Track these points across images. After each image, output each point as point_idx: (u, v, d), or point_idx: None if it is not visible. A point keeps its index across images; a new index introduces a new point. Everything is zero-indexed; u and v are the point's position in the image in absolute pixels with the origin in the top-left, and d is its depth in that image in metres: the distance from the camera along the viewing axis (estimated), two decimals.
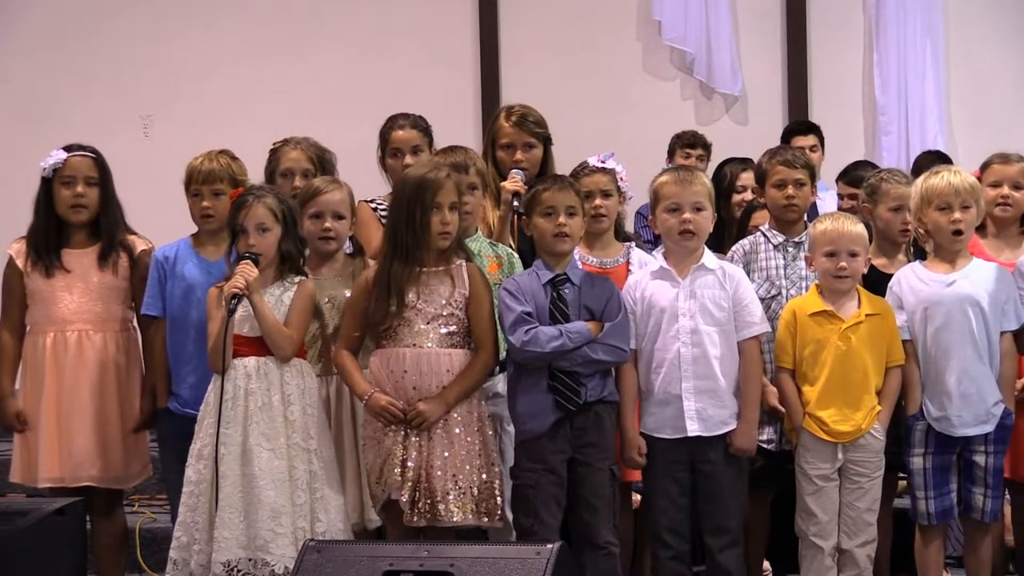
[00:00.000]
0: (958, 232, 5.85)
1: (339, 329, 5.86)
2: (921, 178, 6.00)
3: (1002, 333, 5.87)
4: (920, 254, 6.23)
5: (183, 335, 6.17)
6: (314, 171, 6.48)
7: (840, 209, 7.34)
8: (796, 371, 5.88)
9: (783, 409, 5.91)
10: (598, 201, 6.07)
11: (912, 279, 5.93)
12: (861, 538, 5.84)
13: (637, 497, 6.21)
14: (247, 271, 5.64)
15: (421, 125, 6.60)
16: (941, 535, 5.96)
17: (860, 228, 5.90)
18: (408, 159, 6.37)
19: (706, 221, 5.89)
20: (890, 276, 6.11)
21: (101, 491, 6.25)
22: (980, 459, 5.82)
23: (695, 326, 5.79)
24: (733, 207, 7.42)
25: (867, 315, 5.83)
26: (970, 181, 5.86)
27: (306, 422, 5.71)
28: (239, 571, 5.59)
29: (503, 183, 6.30)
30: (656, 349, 5.80)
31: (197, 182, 6.22)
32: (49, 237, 6.24)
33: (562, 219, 5.69)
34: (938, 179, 5.88)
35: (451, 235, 5.66)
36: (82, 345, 6.20)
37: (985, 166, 6.40)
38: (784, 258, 6.28)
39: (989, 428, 5.81)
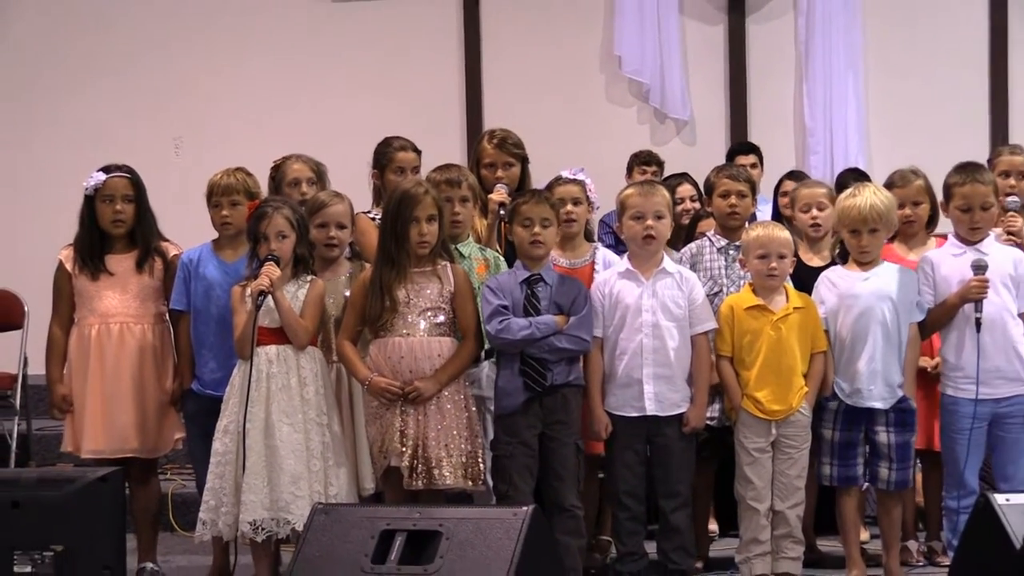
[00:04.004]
0: (865, 253, 5.91)
1: (341, 323, 5.89)
2: (842, 195, 6.02)
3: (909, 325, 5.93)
4: (844, 255, 6.31)
5: (205, 327, 6.21)
6: (315, 179, 6.56)
7: None
8: (734, 358, 5.93)
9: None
10: (569, 208, 6.11)
11: (833, 277, 5.99)
12: (792, 501, 5.89)
13: None
14: (272, 271, 5.70)
15: (416, 148, 6.66)
16: (857, 497, 6.00)
17: (787, 234, 5.95)
18: (408, 176, 6.41)
19: (665, 228, 5.95)
20: (812, 267, 6.19)
21: (138, 461, 6.27)
22: (883, 437, 5.86)
23: (656, 321, 5.84)
24: (676, 215, 7.43)
25: (795, 308, 5.87)
26: (879, 208, 5.84)
27: (319, 400, 5.77)
28: (263, 529, 5.65)
29: (491, 195, 6.35)
30: (620, 339, 5.86)
31: (217, 194, 6.25)
32: (93, 246, 6.25)
33: (537, 229, 5.74)
34: (850, 203, 5.88)
35: (429, 243, 5.70)
36: (123, 335, 6.22)
37: (887, 187, 6.41)
38: (726, 260, 6.30)
39: (892, 402, 5.86)
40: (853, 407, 5.89)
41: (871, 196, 5.90)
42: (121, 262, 6.27)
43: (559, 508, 5.73)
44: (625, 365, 5.85)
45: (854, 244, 5.92)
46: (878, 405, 5.87)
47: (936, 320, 5.99)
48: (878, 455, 5.90)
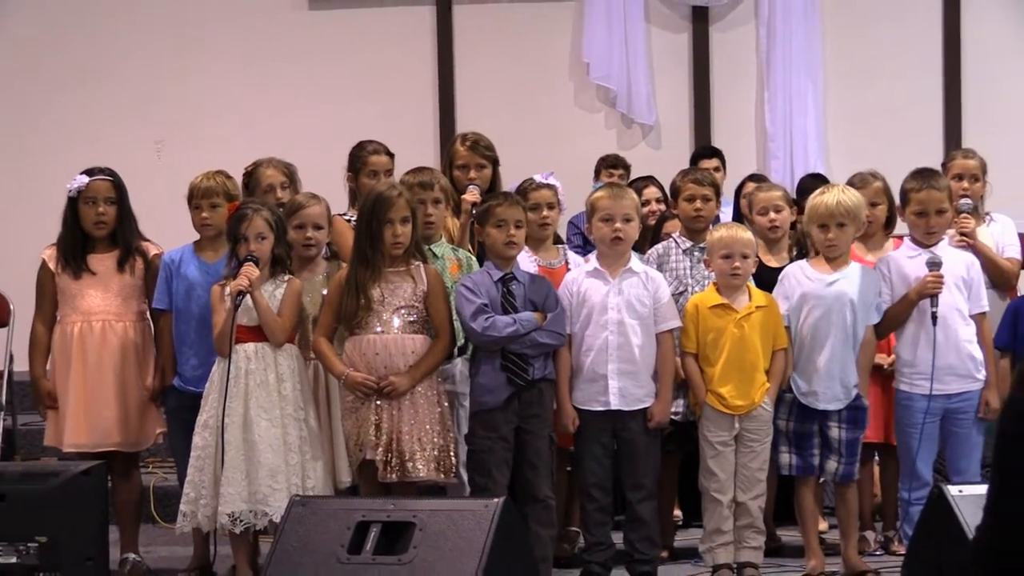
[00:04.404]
0: (832, 247, 5.91)
1: (318, 320, 5.87)
2: (813, 194, 6.03)
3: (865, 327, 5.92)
4: (800, 253, 6.33)
5: (186, 325, 6.18)
6: (288, 183, 6.52)
7: None
8: (699, 355, 5.92)
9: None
10: (545, 212, 6.15)
11: (800, 275, 5.96)
12: (753, 492, 5.88)
13: None
14: (250, 272, 5.69)
15: (389, 152, 6.66)
16: (815, 488, 6.00)
17: (750, 235, 5.95)
18: (382, 179, 6.40)
19: (633, 230, 5.95)
20: (772, 268, 6.19)
21: (120, 454, 6.23)
22: (835, 433, 5.86)
23: (621, 319, 5.83)
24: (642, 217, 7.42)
25: (757, 307, 5.87)
26: (847, 205, 5.84)
27: (296, 396, 5.76)
28: (241, 521, 5.65)
29: (463, 196, 6.35)
30: (587, 336, 5.85)
31: (197, 197, 6.23)
32: (76, 246, 6.21)
33: (512, 231, 5.75)
34: (819, 200, 5.89)
35: (403, 244, 5.70)
36: (105, 332, 6.18)
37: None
38: (691, 261, 6.31)
39: (843, 405, 5.86)
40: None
41: (840, 193, 5.91)
42: (103, 261, 6.23)
43: (533, 499, 5.74)
44: (591, 361, 5.85)
45: (821, 238, 5.91)
46: (832, 407, 5.88)
47: (893, 318, 6.00)
48: (829, 448, 5.90)
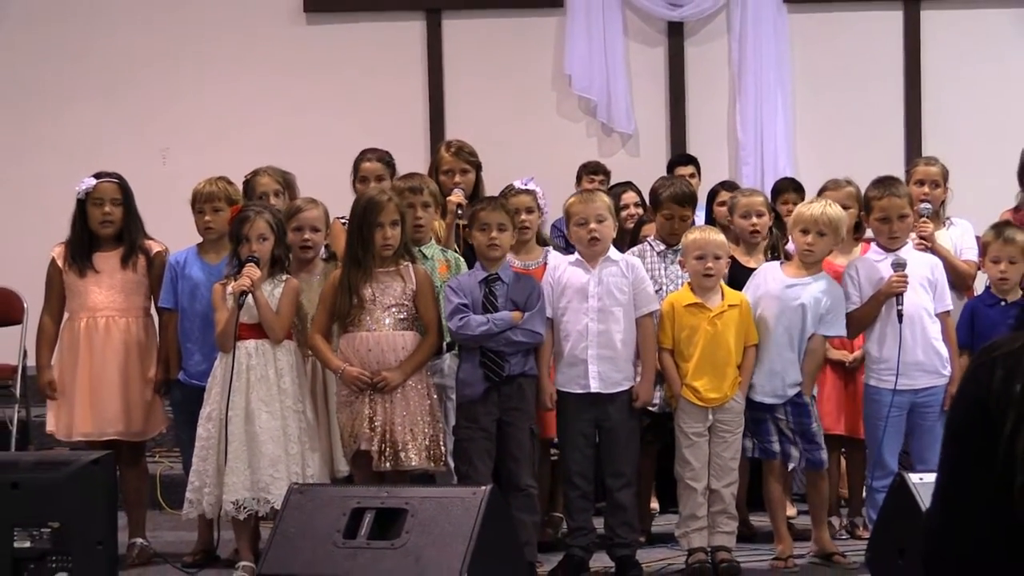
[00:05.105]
0: (808, 251, 5.95)
1: (314, 319, 5.89)
2: (801, 204, 6.12)
3: (812, 335, 5.92)
4: (775, 255, 6.37)
5: (190, 323, 6.21)
6: (282, 190, 6.54)
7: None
8: (674, 350, 5.94)
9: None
10: (523, 217, 6.15)
11: (768, 274, 6.02)
12: (726, 480, 5.90)
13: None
14: (252, 273, 5.72)
15: (386, 159, 6.66)
16: (782, 476, 6.01)
17: (722, 237, 5.98)
18: (373, 185, 6.43)
19: (608, 229, 5.95)
20: (749, 268, 6.23)
21: (127, 444, 6.25)
22: (782, 425, 5.91)
23: (602, 306, 5.85)
24: (621, 220, 7.44)
25: (729, 305, 5.89)
26: (830, 214, 5.88)
27: (295, 390, 5.79)
28: (244, 508, 5.68)
29: (449, 197, 6.40)
30: (567, 321, 5.87)
31: (200, 201, 6.26)
32: (83, 246, 6.24)
33: (494, 234, 5.77)
34: (806, 208, 5.95)
35: (392, 246, 5.71)
36: (110, 328, 6.21)
37: (820, 192, 6.49)
38: (664, 262, 6.36)
39: (781, 401, 5.89)
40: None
41: (826, 205, 5.97)
42: (107, 260, 6.26)
43: (515, 488, 5.74)
44: (571, 345, 5.86)
45: (801, 241, 5.94)
46: (769, 401, 5.92)
47: (863, 317, 6.02)
48: (785, 437, 5.94)
